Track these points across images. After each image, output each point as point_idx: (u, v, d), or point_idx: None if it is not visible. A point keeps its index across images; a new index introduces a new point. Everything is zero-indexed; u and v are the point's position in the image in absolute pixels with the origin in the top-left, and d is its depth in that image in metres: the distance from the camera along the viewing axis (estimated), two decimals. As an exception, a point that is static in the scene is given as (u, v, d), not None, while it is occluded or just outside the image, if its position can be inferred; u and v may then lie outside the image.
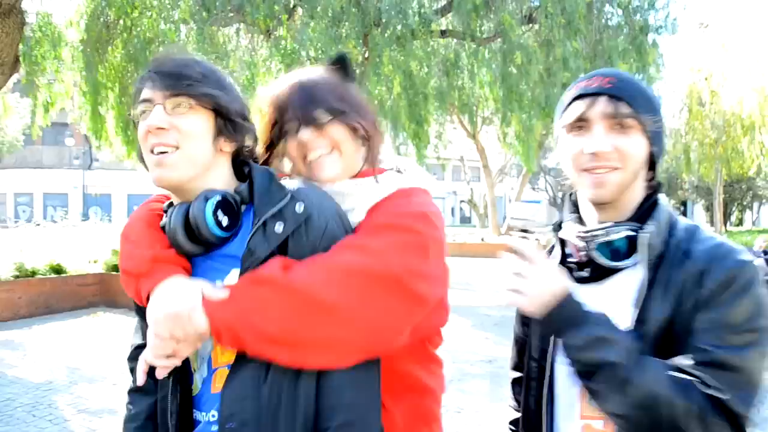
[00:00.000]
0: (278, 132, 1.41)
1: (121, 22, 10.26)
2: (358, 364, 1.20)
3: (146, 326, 1.22)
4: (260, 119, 1.44)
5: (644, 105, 1.22)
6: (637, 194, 1.27)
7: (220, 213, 1.20)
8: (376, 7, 9.31)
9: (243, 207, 1.28)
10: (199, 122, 1.22)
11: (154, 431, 1.31)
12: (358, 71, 9.94)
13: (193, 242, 1.22)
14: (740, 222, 43.18)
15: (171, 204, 1.32)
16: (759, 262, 11.06)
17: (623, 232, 1.22)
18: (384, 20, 9.44)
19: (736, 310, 1.11)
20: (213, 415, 1.23)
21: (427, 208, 1.35)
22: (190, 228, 1.20)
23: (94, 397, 5.47)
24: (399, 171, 1.47)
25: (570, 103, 1.28)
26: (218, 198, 1.21)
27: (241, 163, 1.34)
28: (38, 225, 17.14)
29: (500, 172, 29.61)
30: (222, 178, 1.29)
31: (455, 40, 11.67)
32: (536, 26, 10.93)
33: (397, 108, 10.03)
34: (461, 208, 55.79)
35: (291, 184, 1.28)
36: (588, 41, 11.04)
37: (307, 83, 1.42)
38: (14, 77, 9.21)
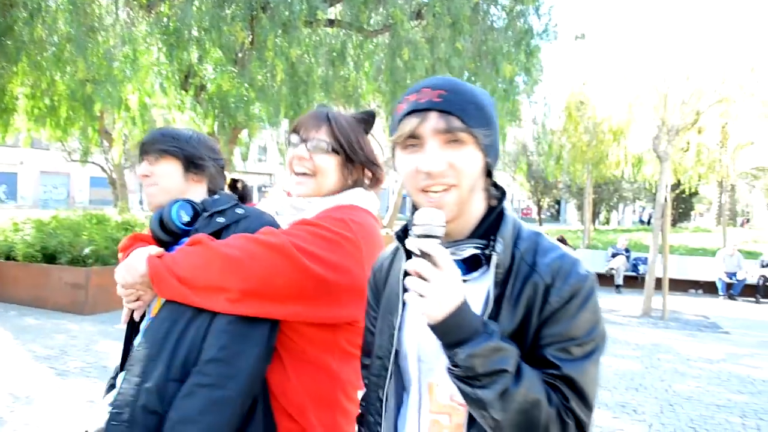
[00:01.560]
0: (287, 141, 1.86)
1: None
2: (243, 319, 1.55)
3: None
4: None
5: (476, 117, 1.19)
6: (477, 207, 1.26)
7: (183, 213, 1.75)
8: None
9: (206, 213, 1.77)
10: (168, 167, 1.84)
11: None
12: (242, 55, 9.67)
13: (164, 232, 1.75)
14: (607, 221, 46.28)
15: None
16: (621, 259, 11.71)
17: (468, 251, 1.23)
18: (272, 5, 9.23)
19: (579, 323, 1.17)
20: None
21: (349, 217, 1.67)
22: (162, 223, 1.74)
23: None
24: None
25: (401, 119, 1.23)
26: (181, 202, 1.77)
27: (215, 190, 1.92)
28: None
29: (385, 164, 29.91)
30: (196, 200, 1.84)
31: (343, 31, 11.62)
32: (423, 23, 11.08)
33: (279, 95, 9.84)
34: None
35: (243, 205, 1.84)
36: (473, 41, 11.32)
37: (334, 114, 1.81)
38: None
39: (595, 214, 38.78)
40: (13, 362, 6.02)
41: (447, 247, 1.17)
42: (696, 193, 43.00)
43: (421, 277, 1.09)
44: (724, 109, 12.74)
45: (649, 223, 46.81)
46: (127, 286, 1.66)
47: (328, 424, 1.66)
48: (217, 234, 1.69)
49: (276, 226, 1.73)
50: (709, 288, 14.26)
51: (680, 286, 14.26)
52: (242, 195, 1.99)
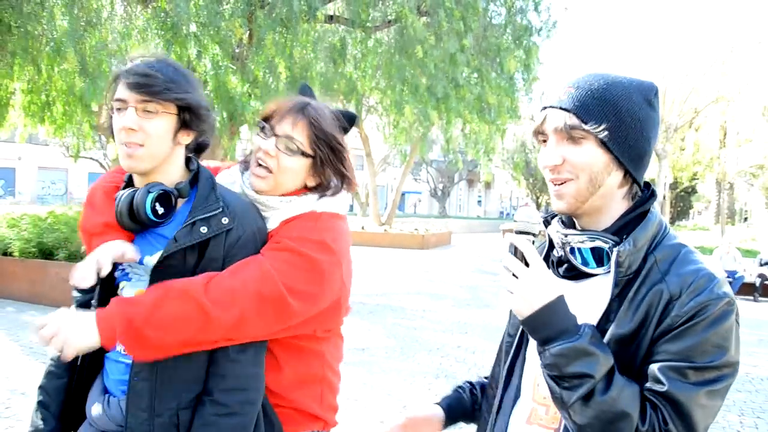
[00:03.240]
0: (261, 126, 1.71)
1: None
2: (248, 346, 1.54)
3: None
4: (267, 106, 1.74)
5: (595, 113, 1.20)
6: (616, 203, 1.26)
7: (157, 204, 1.52)
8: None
9: (181, 201, 1.59)
10: (163, 124, 1.50)
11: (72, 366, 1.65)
12: (240, 51, 9.62)
13: (133, 221, 1.53)
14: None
15: (130, 178, 1.63)
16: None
17: (596, 243, 1.24)
18: (270, 1, 9.18)
19: (701, 346, 1.10)
20: (122, 348, 1.53)
21: (326, 235, 1.64)
22: (132, 210, 1.52)
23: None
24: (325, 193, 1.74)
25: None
26: (158, 192, 1.52)
27: (192, 155, 1.65)
28: None
29: (383, 162, 29.91)
30: (176, 168, 1.60)
31: (342, 27, 11.57)
32: (426, 19, 11.05)
33: (277, 93, 9.80)
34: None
35: (228, 194, 1.63)
36: (475, 37, 11.29)
37: (315, 110, 1.68)
38: None
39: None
40: (10, 357, 6.00)
41: (577, 236, 1.26)
42: (694, 191, 43.00)
43: (512, 273, 1.15)
44: (723, 107, 12.74)
45: (647, 220, 46.66)
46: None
47: (315, 396, 1.76)
48: (203, 245, 1.53)
49: (263, 233, 1.64)
50: (708, 286, 14.24)
51: (678, 284, 14.22)
52: (201, 146, 1.71)
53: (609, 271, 1.21)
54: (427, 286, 12.56)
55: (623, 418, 1.08)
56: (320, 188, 1.73)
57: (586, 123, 1.19)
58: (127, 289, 1.60)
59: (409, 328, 8.34)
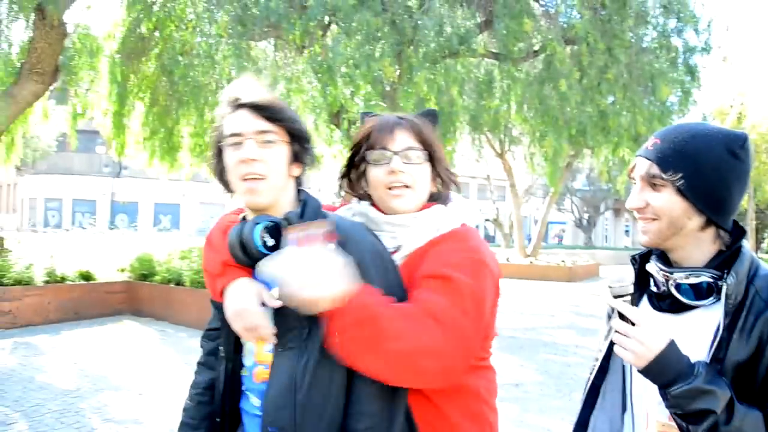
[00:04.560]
0: (361, 156, 1.65)
1: (157, 34, 10.42)
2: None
3: (220, 314, 1.51)
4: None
5: (673, 163, 1.34)
6: (702, 242, 1.38)
7: (266, 236, 1.41)
8: (412, 25, 9.30)
9: None
10: (282, 154, 1.45)
11: (210, 398, 1.66)
12: (390, 89, 9.95)
13: (245, 255, 1.43)
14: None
15: (245, 217, 1.57)
16: None
17: (701, 278, 1.35)
18: (418, 39, 9.44)
19: None
20: (255, 402, 1.48)
21: (481, 255, 1.53)
22: (243, 244, 1.43)
23: (119, 406, 5.49)
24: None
25: None
26: (266, 224, 1.42)
27: (299, 184, 1.57)
28: (67, 231, 17.30)
29: (526, 192, 29.42)
30: (289, 200, 1.52)
31: (487, 60, 11.62)
32: (574, 48, 10.82)
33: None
34: (486, 227, 55.52)
35: (339, 218, 1.51)
36: (625, 65, 10.89)
37: (409, 120, 1.64)
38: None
39: (758, 241, 35.65)
40: (183, 380, 6.47)
41: (684, 272, 1.37)
42: None
43: (623, 334, 1.30)
44: None
45: (823, 251, 42.17)
46: (246, 330, 1.43)
47: None
48: None
49: (385, 257, 1.52)
50: None
51: None
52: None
53: (713, 303, 1.33)
54: (577, 320, 12.10)
55: None
56: (440, 197, 1.67)
57: (665, 172, 1.34)
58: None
59: (562, 364, 8.07)
